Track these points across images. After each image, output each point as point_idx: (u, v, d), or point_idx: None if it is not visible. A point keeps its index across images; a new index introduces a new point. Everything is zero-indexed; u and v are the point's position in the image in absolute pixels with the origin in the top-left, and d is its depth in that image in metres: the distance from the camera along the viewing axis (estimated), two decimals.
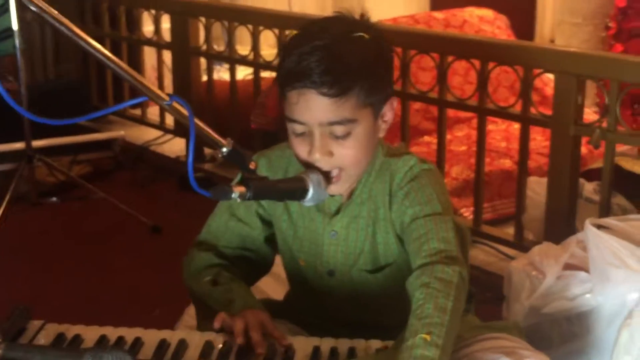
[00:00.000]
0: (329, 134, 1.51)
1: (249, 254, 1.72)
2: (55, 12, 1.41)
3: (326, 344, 1.51)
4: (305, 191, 1.52)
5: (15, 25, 3.11)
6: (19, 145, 3.26)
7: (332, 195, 1.61)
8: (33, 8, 1.42)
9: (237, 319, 1.50)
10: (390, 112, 1.59)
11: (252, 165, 1.52)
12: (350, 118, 1.50)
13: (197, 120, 1.45)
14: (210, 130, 1.49)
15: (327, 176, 1.54)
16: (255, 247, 1.72)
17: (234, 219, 1.70)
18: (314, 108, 1.49)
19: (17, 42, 3.14)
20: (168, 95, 1.46)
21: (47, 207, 3.33)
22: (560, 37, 4.53)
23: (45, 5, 1.43)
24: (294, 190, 1.52)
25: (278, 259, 1.81)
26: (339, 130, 1.50)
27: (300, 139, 1.53)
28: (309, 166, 1.54)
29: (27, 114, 1.42)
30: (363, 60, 1.49)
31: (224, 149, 1.49)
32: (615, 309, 1.90)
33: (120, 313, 1.75)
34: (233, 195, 1.44)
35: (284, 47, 1.59)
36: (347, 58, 1.48)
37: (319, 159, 1.51)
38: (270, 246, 1.73)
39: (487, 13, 4.11)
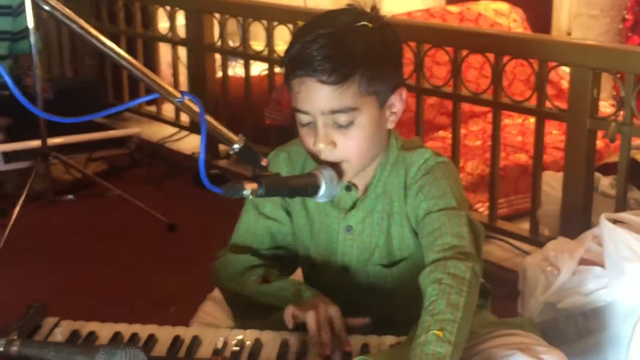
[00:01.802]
0: (332, 124, 1.50)
1: (281, 252, 1.73)
2: (69, 11, 1.41)
3: None
4: (317, 187, 1.51)
5: (30, 24, 3.12)
6: (35, 143, 3.27)
7: (348, 190, 1.62)
8: (46, 7, 1.42)
9: (309, 312, 1.49)
10: (399, 102, 1.58)
11: (264, 162, 1.52)
12: (353, 106, 1.49)
13: (208, 117, 1.45)
14: (222, 127, 1.49)
15: (337, 170, 1.54)
16: (286, 243, 1.72)
17: (262, 217, 1.70)
18: (315, 96, 1.49)
19: (32, 40, 3.16)
20: (180, 92, 1.46)
21: (64, 205, 3.34)
22: (577, 29, 4.50)
23: (58, 5, 1.43)
24: (306, 186, 1.52)
25: None
26: (341, 118, 1.50)
27: (307, 129, 1.53)
28: (316, 158, 1.54)
29: (41, 113, 1.42)
30: (365, 49, 1.49)
31: (236, 146, 1.49)
32: (632, 304, 1.89)
33: (136, 310, 1.76)
34: (245, 193, 1.44)
35: (293, 34, 1.59)
36: (349, 46, 1.48)
37: (323, 149, 1.51)
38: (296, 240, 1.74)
39: (503, 6, 4.09)
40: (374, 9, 1.59)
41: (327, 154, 1.52)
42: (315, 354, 1.46)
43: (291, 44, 1.54)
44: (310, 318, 1.47)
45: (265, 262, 1.69)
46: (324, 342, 1.46)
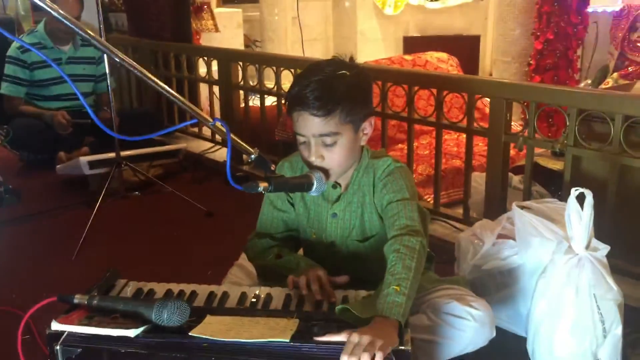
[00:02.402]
0: (321, 143, 1.52)
1: (293, 233, 1.74)
2: (133, 62, 1.41)
3: None
4: (311, 185, 1.52)
5: (107, 69, 3.11)
6: (112, 155, 3.25)
7: (334, 188, 1.62)
8: (117, 59, 1.42)
9: (301, 277, 1.51)
10: (369, 127, 1.59)
11: (272, 167, 1.52)
12: (335, 131, 1.51)
13: (232, 135, 1.45)
14: (242, 143, 1.49)
15: (326, 173, 1.55)
16: (295, 227, 1.74)
17: (275, 210, 1.71)
18: (309, 125, 1.50)
19: (108, 82, 3.14)
20: (213, 118, 1.46)
21: (132, 199, 3.32)
22: (496, 71, 4.49)
23: (126, 57, 1.43)
24: (302, 184, 1.52)
25: None
26: (327, 140, 1.51)
27: (303, 146, 1.55)
28: (310, 165, 1.55)
29: (116, 135, 1.43)
30: (343, 91, 1.49)
31: (252, 156, 1.49)
32: (534, 266, 1.88)
33: (183, 274, 1.74)
34: (259, 189, 1.44)
35: (293, 79, 1.60)
36: (332, 89, 1.48)
37: (315, 160, 1.54)
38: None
39: (443, 55, 4.08)
40: (352, 59, 1.60)
41: (317, 163, 1.54)
42: (309, 301, 1.46)
43: (292, 86, 1.55)
44: (302, 280, 1.50)
45: (279, 243, 1.70)
46: (315, 289, 1.47)
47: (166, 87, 1.47)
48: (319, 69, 1.53)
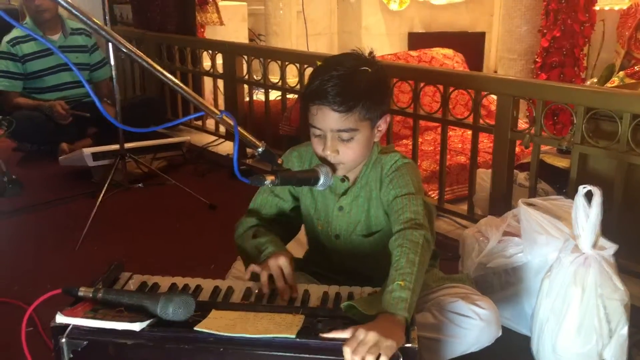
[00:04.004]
0: (337, 138, 1.50)
1: (281, 219, 1.71)
2: (141, 53, 1.40)
3: (332, 289, 1.50)
4: (317, 179, 1.51)
5: (112, 61, 3.09)
6: (115, 147, 3.24)
7: (342, 181, 1.61)
8: (124, 50, 1.41)
9: (262, 272, 1.48)
10: (384, 124, 1.58)
11: (279, 161, 1.51)
12: (354, 128, 1.49)
13: (240, 129, 1.44)
14: (250, 136, 1.48)
15: (333, 167, 1.54)
16: (286, 215, 1.72)
17: (272, 194, 1.70)
18: (327, 119, 1.48)
19: (114, 73, 3.12)
20: (220, 110, 1.45)
21: (135, 191, 3.31)
22: (501, 68, 4.47)
23: (134, 49, 1.42)
24: (309, 178, 1.51)
25: (301, 231, 1.80)
26: (344, 135, 1.49)
27: (318, 139, 1.53)
28: (323, 159, 1.53)
29: (123, 126, 1.41)
30: (365, 88, 1.48)
31: (260, 149, 1.48)
32: (540, 264, 1.88)
33: (186, 267, 1.73)
34: (266, 182, 1.43)
35: (312, 73, 1.57)
36: (353, 85, 1.46)
37: (330, 155, 1.51)
38: (296, 214, 1.73)
39: (448, 52, 4.07)
40: (371, 54, 1.58)
41: (331, 158, 1.53)
42: (282, 297, 1.45)
43: (312, 79, 1.52)
44: (263, 276, 1.47)
45: (262, 224, 1.67)
46: (280, 289, 1.45)
47: (174, 78, 1.46)
48: (340, 63, 1.51)
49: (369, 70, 1.50)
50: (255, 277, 1.50)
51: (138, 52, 1.41)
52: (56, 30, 3.85)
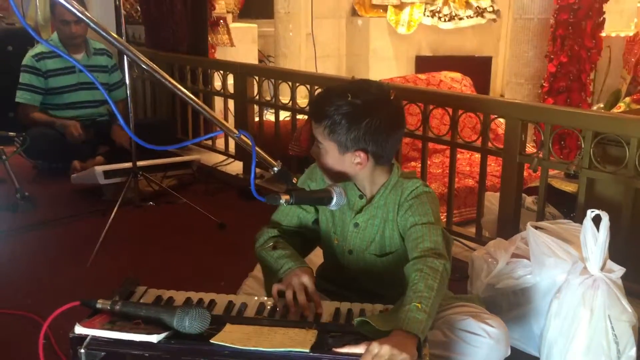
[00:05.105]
0: (316, 143, 1.61)
1: (303, 231, 1.75)
2: (161, 71, 1.45)
3: (344, 306, 1.53)
4: (330, 199, 1.55)
5: (127, 80, 3.15)
6: (127, 165, 3.28)
7: (360, 198, 1.64)
8: (144, 66, 1.45)
9: (287, 290, 1.51)
10: (358, 159, 1.58)
11: (294, 180, 1.55)
12: (320, 140, 1.59)
13: (257, 148, 1.48)
14: (266, 156, 1.52)
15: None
16: (308, 226, 1.75)
17: (295, 205, 1.71)
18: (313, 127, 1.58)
19: (128, 92, 3.18)
20: (238, 130, 1.49)
21: (146, 209, 3.35)
22: (508, 92, 4.53)
23: (152, 64, 1.47)
24: (322, 198, 1.55)
25: (316, 251, 1.83)
26: (318, 143, 1.60)
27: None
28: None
29: (142, 142, 1.45)
30: (336, 111, 1.54)
31: (276, 169, 1.52)
32: (548, 286, 1.89)
33: (198, 283, 1.75)
34: (281, 201, 1.46)
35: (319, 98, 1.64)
36: (329, 104, 1.54)
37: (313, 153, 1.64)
38: (317, 227, 1.76)
39: (456, 75, 4.12)
40: (382, 85, 1.61)
41: (314, 156, 1.66)
42: (295, 315, 1.47)
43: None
44: (288, 294, 1.51)
45: (283, 235, 1.71)
46: (302, 305, 1.48)
47: (193, 97, 1.51)
48: (344, 85, 1.58)
49: (358, 102, 1.53)
50: (281, 293, 1.53)
51: (157, 67, 1.46)
52: (80, 49, 3.93)
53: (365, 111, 1.53)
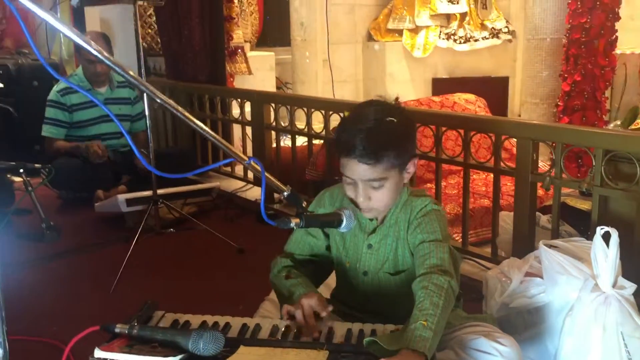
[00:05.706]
0: (369, 186, 1.58)
1: (315, 259, 1.79)
2: (174, 103, 1.50)
3: (356, 327, 1.56)
4: (340, 222, 1.58)
5: (147, 111, 3.25)
6: (148, 193, 3.36)
7: (371, 220, 1.67)
8: (159, 100, 1.51)
9: (297, 311, 1.55)
10: (413, 167, 1.65)
11: (304, 204, 1.58)
12: (383, 177, 1.57)
13: (267, 174, 1.52)
14: (276, 181, 1.56)
15: (372, 212, 1.64)
16: (320, 253, 1.79)
17: (305, 232, 1.77)
18: (357, 171, 1.56)
19: (148, 123, 3.27)
20: (248, 157, 1.54)
21: (167, 235, 3.41)
22: (524, 112, 4.54)
23: (166, 98, 1.53)
24: (332, 221, 1.58)
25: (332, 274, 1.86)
26: (375, 184, 1.58)
27: (350, 186, 1.62)
28: (353, 201, 1.62)
29: (159, 172, 1.51)
30: (391, 138, 1.55)
31: (285, 193, 1.55)
32: (562, 304, 1.89)
33: (217, 307, 1.79)
34: (291, 225, 1.50)
35: (340, 123, 1.66)
36: (380, 138, 1.54)
37: (362, 202, 1.60)
38: (330, 252, 1.79)
39: (470, 96, 4.15)
40: (397, 100, 1.66)
41: (364, 204, 1.61)
42: (307, 334, 1.51)
43: (340, 132, 1.61)
44: (298, 315, 1.55)
45: (296, 265, 1.74)
46: (311, 327, 1.52)
47: (205, 127, 1.56)
48: (366, 115, 1.58)
49: (395, 120, 1.57)
50: (292, 316, 1.57)
51: (170, 101, 1.52)
52: (104, 83, 4.06)
53: (406, 116, 1.60)
